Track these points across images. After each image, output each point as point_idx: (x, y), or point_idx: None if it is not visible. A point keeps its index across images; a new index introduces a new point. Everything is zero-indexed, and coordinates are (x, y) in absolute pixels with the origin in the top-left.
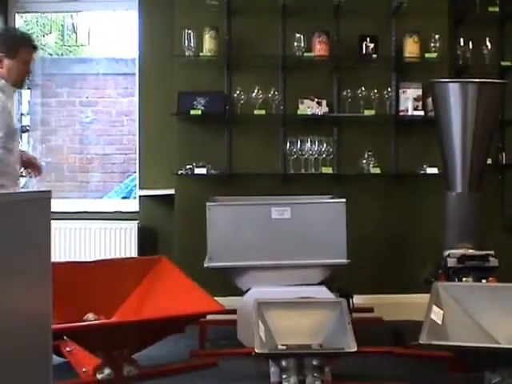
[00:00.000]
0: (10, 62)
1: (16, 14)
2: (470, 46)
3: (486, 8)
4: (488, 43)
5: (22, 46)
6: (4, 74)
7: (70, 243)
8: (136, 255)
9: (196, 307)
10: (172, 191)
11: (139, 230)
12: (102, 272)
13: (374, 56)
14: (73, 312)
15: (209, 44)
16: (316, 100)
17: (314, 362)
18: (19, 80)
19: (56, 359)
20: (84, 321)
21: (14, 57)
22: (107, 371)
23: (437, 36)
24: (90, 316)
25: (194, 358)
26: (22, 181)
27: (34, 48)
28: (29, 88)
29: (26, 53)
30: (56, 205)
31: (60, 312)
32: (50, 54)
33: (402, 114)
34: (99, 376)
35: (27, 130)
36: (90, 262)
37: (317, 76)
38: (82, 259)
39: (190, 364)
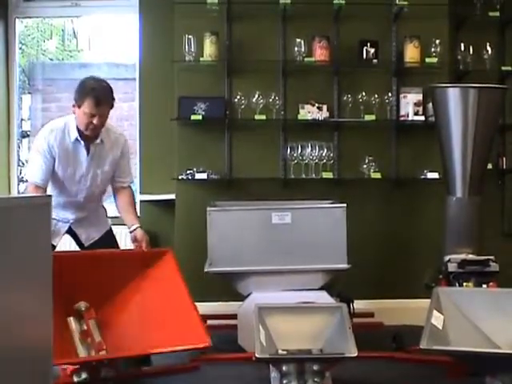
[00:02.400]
0: (77, 110)
1: (16, 19)
2: (471, 50)
3: (487, 13)
4: (488, 48)
5: (86, 96)
6: (77, 122)
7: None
8: None
9: (181, 337)
10: (172, 196)
11: None
12: (101, 262)
13: (375, 61)
14: (66, 298)
15: (209, 49)
16: (316, 105)
17: (315, 367)
18: (84, 130)
19: None
20: (75, 309)
21: (79, 106)
22: (84, 375)
23: (437, 41)
24: (82, 305)
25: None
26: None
27: (97, 103)
28: (29, 93)
29: (87, 105)
30: None
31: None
32: (51, 59)
33: (402, 118)
34: (76, 379)
35: (27, 135)
36: (89, 252)
37: (317, 81)
38: None
39: (172, 368)
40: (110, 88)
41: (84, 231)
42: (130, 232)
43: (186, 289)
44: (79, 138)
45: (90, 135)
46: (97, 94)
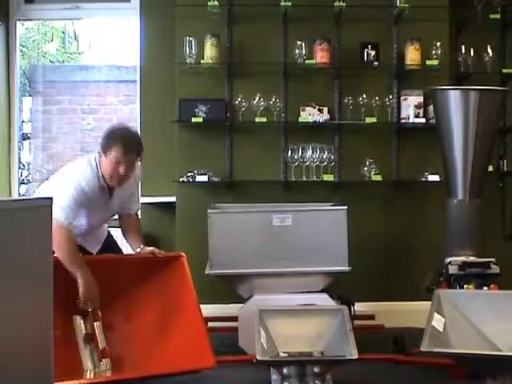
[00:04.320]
0: (103, 159)
1: (17, 22)
2: (472, 53)
3: (488, 15)
4: (489, 50)
5: (114, 144)
6: (102, 170)
7: None
8: None
9: (186, 353)
10: (173, 198)
11: None
12: (112, 266)
13: (376, 63)
14: (74, 299)
15: (210, 51)
16: (317, 107)
17: (316, 370)
18: (109, 179)
19: None
20: (82, 308)
21: (106, 154)
22: None
23: (438, 43)
24: (89, 304)
25: None
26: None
27: (126, 151)
28: (30, 95)
29: (115, 153)
30: None
31: (64, 297)
32: (52, 62)
33: (403, 121)
34: None
35: (28, 138)
36: (102, 256)
37: (318, 83)
38: None
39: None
40: (139, 136)
41: (87, 243)
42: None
43: (195, 298)
44: (104, 184)
45: (115, 185)
46: (125, 142)
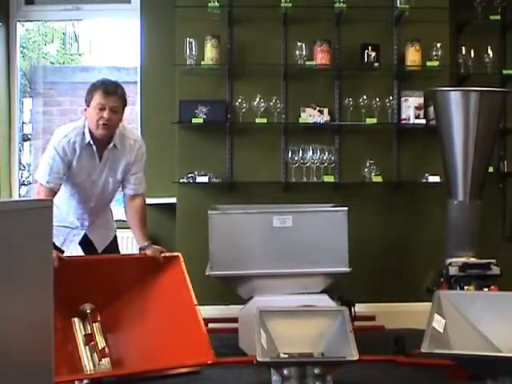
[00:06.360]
0: (88, 111)
1: (18, 23)
2: (472, 54)
3: (488, 16)
4: (490, 51)
5: (95, 91)
6: (89, 123)
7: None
8: None
9: (185, 350)
10: (174, 200)
11: None
12: (110, 267)
13: (376, 64)
14: (73, 300)
15: (210, 53)
16: (318, 108)
17: (316, 371)
18: (95, 128)
19: None
20: (80, 310)
21: (89, 104)
22: (86, 380)
23: (438, 44)
24: (87, 306)
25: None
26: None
27: (107, 93)
28: (30, 96)
29: (97, 97)
30: None
31: (62, 299)
32: (52, 63)
33: (403, 122)
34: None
35: (29, 139)
36: (99, 256)
37: (318, 84)
38: None
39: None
40: (121, 85)
41: (98, 237)
42: (140, 249)
43: (192, 297)
44: (92, 143)
45: (102, 134)
46: (106, 86)
